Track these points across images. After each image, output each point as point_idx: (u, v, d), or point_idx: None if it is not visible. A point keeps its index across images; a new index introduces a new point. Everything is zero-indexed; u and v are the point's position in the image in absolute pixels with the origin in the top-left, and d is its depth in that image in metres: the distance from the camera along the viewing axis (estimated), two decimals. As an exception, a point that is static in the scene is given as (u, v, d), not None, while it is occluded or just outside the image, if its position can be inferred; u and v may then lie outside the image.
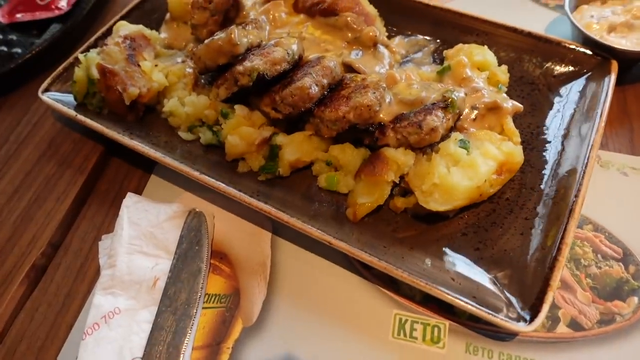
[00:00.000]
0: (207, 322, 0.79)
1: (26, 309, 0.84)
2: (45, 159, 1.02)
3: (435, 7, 1.08)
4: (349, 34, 1.02)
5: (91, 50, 1.02)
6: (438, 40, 1.07)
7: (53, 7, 1.22)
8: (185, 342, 0.75)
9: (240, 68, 0.87)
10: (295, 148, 0.87)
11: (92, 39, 1.10)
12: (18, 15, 1.25)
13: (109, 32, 1.11)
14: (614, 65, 0.93)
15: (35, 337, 0.81)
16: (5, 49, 1.19)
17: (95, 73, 0.96)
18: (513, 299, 0.71)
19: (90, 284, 0.86)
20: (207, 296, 0.82)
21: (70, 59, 1.06)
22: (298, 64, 0.92)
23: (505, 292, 0.72)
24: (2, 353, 0.79)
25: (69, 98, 1.02)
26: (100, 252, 0.87)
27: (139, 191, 0.96)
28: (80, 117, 0.96)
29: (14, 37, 1.22)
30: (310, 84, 0.83)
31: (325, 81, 0.86)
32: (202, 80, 1.02)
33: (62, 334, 0.81)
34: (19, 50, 1.18)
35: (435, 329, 0.75)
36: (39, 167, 1.00)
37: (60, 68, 1.05)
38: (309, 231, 0.77)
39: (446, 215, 0.81)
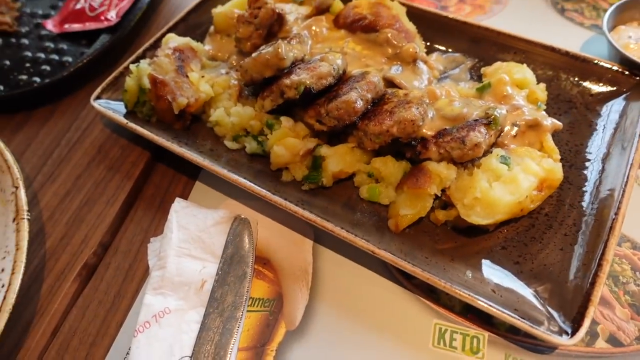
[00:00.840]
0: (251, 324, 0.82)
1: (78, 306, 0.88)
2: (94, 163, 1.06)
3: (473, 24, 1.11)
4: (389, 50, 1.05)
5: (141, 60, 1.07)
6: (475, 58, 1.09)
7: (102, 18, 1.27)
8: (232, 342, 0.78)
9: (287, 81, 0.91)
10: (338, 159, 0.91)
11: (141, 50, 1.15)
12: (67, 26, 1.31)
13: (156, 43, 1.16)
14: (652, 85, 0.95)
15: (86, 333, 0.85)
16: (56, 57, 1.25)
17: (146, 83, 1.01)
18: (554, 313, 0.72)
19: (139, 284, 0.89)
20: (251, 300, 0.85)
21: (121, 69, 1.11)
22: (342, 79, 0.96)
23: (546, 305, 0.74)
24: (55, 347, 0.83)
25: (118, 106, 1.07)
26: (150, 253, 0.91)
27: (184, 197, 1.00)
28: (131, 125, 1.00)
29: (65, 47, 1.28)
30: (356, 98, 0.87)
31: (369, 96, 0.89)
32: (246, 92, 1.06)
33: (112, 331, 0.85)
34: (70, 59, 1.24)
35: (475, 340, 0.77)
36: (89, 171, 1.05)
37: (111, 77, 1.10)
38: (353, 240, 0.80)
39: (486, 229, 0.83)
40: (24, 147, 1.10)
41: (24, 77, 1.21)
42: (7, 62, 1.25)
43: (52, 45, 1.28)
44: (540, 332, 0.69)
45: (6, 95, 1.16)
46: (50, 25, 1.31)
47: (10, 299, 0.79)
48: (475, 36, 1.11)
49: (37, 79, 1.20)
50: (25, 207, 0.90)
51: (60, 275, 0.91)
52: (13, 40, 1.31)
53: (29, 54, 1.27)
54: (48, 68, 1.23)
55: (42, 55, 1.26)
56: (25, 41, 1.30)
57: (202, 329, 0.79)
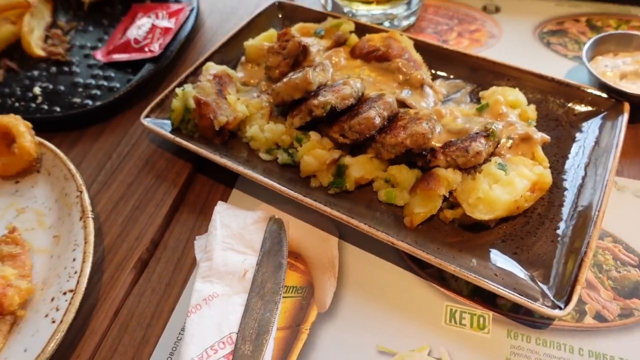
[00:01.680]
0: (287, 308, 0.95)
1: (134, 294, 1.01)
2: (144, 173, 1.21)
3: (471, 55, 1.28)
4: (400, 77, 1.22)
5: (185, 85, 1.23)
6: (474, 84, 1.26)
7: (146, 50, 1.45)
8: (272, 321, 0.90)
9: (315, 102, 1.07)
10: (359, 167, 1.05)
11: (183, 76, 1.31)
12: (115, 56, 1.48)
13: (195, 71, 1.33)
14: (626, 106, 1.11)
15: (143, 316, 0.97)
16: (105, 83, 1.42)
17: (192, 103, 1.17)
18: (547, 291, 0.86)
19: (186, 275, 1.03)
20: (286, 288, 0.98)
21: (166, 92, 1.27)
22: (361, 100, 1.12)
23: (540, 286, 0.87)
24: (116, 327, 0.96)
25: (164, 124, 1.23)
26: (196, 249, 1.04)
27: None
28: (178, 139, 1.16)
29: (112, 74, 1.45)
30: (375, 115, 1.02)
31: (385, 113, 1.05)
32: (275, 112, 1.21)
33: (165, 315, 0.97)
34: (118, 85, 1.41)
35: (481, 318, 0.90)
36: (139, 179, 1.20)
37: (157, 99, 1.26)
38: (375, 233, 0.94)
39: (488, 225, 0.97)
40: (79, 160, 1.25)
41: (77, 100, 1.37)
42: (62, 87, 1.42)
43: (100, 72, 1.45)
44: (537, 306, 0.82)
45: (62, 116, 1.32)
46: (99, 56, 1.49)
47: (83, 283, 0.92)
48: (474, 65, 1.28)
49: (89, 102, 1.36)
50: (90, 208, 1.04)
51: (118, 267, 1.04)
52: (66, 68, 1.48)
53: (80, 80, 1.43)
54: (98, 92, 1.39)
55: (93, 82, 1.43)
56: (77, 69, 1.47)
57: (246, 310, 0.92)
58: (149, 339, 0.94)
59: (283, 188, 1.04)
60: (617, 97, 1.13)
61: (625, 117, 1.09)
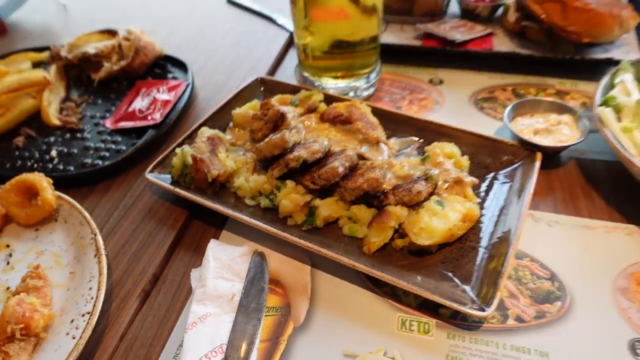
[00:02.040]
0: (268, 324, 1.14)
1: (138, 319, 1.19)
2: (146, 219, 1.43)
3: (420, 119, 1.57)
4: (360, 136, 1.49)
5: (184, 146, 1.49)
6: (421, 140, 1.54)
7: (149, 118, 1.72)
8: (256, 335, 1.09)
9: (290, 156, 1.33)
10: (327, 208, 1.29)
11: (180, 139, 1.56)
12: (121, 124, 1.74)
13: (191, 135, 1.59)
14: (539, 155, 1.39)
15: (146, 337, 1.15)
16: (113, 146, 1.66)
17: (189, 160, 1.41)
18: (475, 298, 1.07)
19: (183, 303, 1.21)
20: (267, 308, 1.18)
21: (166, 152, 1.52)
22: (327, 154, 1.38)
23: (470, 294, 1.09)
24: (123, 347, 1.13)
25: (165, 178, 1.46)
26: (192, 279, 1.24)
27: (214, 241, 1.35)
28: (177, 190, 1.39)
29: (119, 139, 1.70)
30: (338, 165, 1.28)
31: (347, 164, 1.31)
32: (258, 167, 1.46)
33: (165, 335, 1.15)
34: (124, 147, 1.65)
35: (426, 325, 1.11)
36: (142, 225, 1.41)
37: (159, 158, 1.50)
38: (340, 259, 1.16)
39: (430, 250, 1.20)
40: (90, 211, 1.46)
41: (89, 160, 1.61)
42: (75, 150, 1.65)
43: (109, 137, 1.70)
44: (466, 309, 1.04)
45: (75, 174, 1.55)
46: (108, 124, 1.75)
47: (98, 306, 1.10)
48: (421, 126, 1.56)
49: (99, 162, 1.60)
50: (103, 247, 1.24)
51: (124, 297, 1.22)
52: (78, 135, 1.73)
53: (91, 144, 1.68)
54: (107, 154, 1.63)
55: (102, 145, 1.67)
56: (88, 135, 1.72)
57: (234, 326, 1.11)
58: (151, 357, 1.11)
59: (265, 226, 1.26)
60: (531, 148, 1.42)
61: (537, 164, 1.37)
